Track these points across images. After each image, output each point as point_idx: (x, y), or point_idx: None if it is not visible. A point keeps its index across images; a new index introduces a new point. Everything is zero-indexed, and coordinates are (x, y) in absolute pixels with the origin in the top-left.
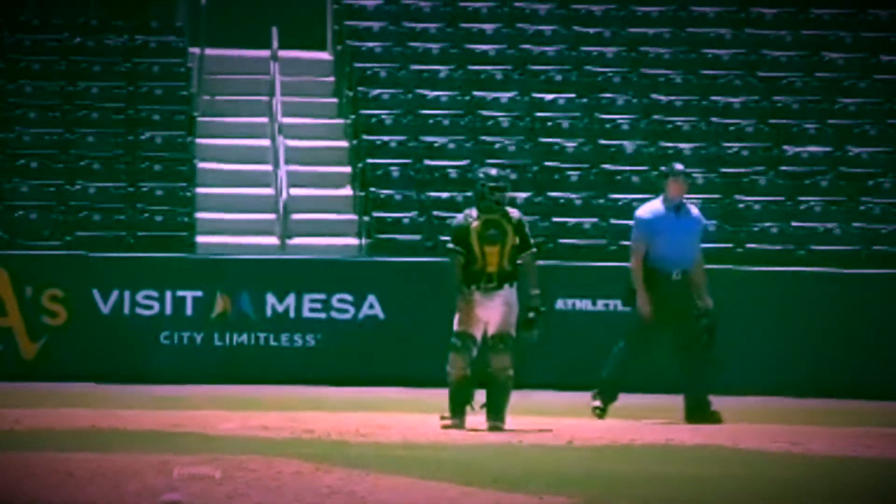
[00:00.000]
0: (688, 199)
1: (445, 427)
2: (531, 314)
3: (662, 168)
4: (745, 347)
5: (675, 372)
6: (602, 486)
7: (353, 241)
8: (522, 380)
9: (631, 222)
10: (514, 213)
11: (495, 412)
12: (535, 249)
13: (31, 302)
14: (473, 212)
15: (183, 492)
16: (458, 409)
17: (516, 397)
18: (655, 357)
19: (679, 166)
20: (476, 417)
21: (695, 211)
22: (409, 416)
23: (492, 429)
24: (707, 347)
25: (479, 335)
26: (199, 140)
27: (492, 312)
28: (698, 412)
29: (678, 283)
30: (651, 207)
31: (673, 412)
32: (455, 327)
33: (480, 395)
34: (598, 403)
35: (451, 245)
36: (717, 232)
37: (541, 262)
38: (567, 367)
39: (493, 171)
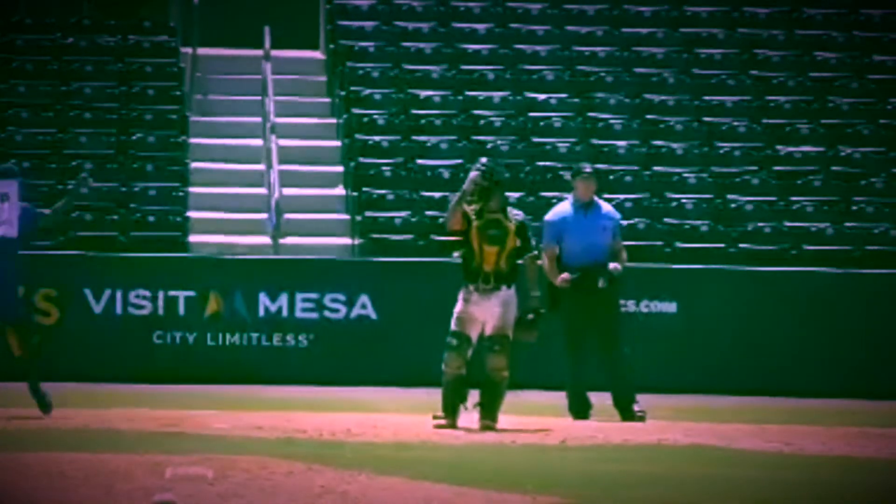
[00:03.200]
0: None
1: (438, 427)
2: (530, 316)
3: (571, 167)
4: (741, 348)
5: (601, 367)
6: (595, 486)
7: (346, 240)
8: (518, 380)
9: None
10: (518, 214)
11: (488, 412)
12: (536, 252)
13: (24, 301)
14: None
15: (175, 492)
16: (451, 408)
17: (509, 397)
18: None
19: (587, 167)
20: (469, 417)
21: (606, 208)
22: (402, 415)
23: (484, 428)
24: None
25: (475, 335)
26: (191, 140)
27: (489, 312)
28: (579, 408)
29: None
30: (558, 210)
31: (665, 411)
32: (452, 326)
33: (474, 395)
34: (572, 417)
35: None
36: (709, 232)
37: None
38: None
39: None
